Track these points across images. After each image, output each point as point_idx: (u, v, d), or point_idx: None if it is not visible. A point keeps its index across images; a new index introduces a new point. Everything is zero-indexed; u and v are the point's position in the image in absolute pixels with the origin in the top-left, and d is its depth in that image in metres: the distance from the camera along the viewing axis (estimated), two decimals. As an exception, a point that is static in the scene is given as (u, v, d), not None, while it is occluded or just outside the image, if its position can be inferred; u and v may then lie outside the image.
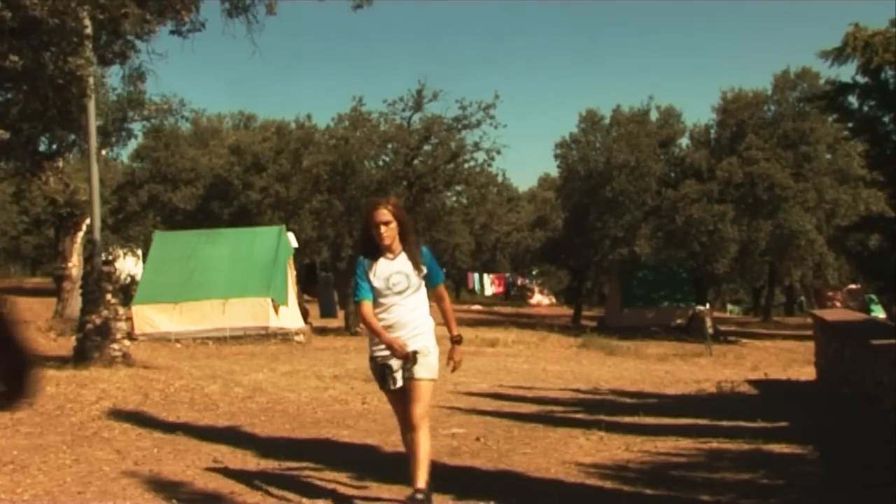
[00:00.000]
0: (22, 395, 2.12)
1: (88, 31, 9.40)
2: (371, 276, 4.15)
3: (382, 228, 4.11)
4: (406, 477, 4.17)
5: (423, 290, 4.22)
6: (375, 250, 4.18)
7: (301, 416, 7.84)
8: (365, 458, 5.82)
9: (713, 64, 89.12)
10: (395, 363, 4.13)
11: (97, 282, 11.27)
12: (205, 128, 38.09)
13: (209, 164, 33.44)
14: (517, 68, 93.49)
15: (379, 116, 26.89)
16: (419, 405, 4.11)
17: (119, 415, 7.32)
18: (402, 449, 6.15)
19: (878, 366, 7.53)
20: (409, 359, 4.11)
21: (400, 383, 4.14)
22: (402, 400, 4.19)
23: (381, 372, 4.19)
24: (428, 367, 4.14)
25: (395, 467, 5.12)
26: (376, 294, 4.15)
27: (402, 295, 4.13)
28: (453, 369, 4.35)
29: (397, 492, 4.47)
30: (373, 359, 4.23)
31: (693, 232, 27.54)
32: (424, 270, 4.20)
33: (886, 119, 9.13)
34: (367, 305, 4.18)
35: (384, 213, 4.13)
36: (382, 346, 4.14)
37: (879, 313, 24.10)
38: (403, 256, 4.17)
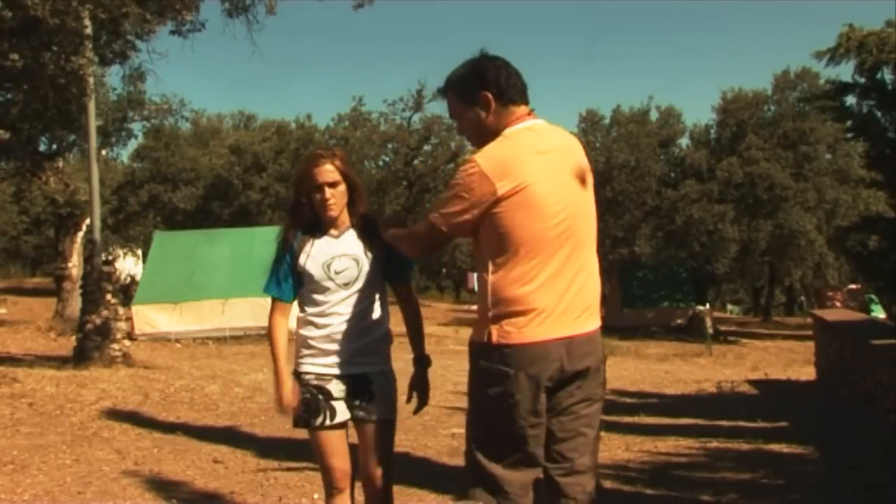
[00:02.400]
0: None
1: (88, 30, 9.41)
2: (302, 260, 2.80)
3: (327, 192, 2.77)
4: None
5: (380, 285, 2.87)
6: (310, 223, 2.85)
7: (301, 416, 7.83)
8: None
9: (713, 64, 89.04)
10: (336, 386, 2.81)
11: (97, 282, 11.28)
12: (205, 128, 38.11)
13: (209, 164, 33.47)
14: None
15: (379, 116, 27.00)
16: (381, 457, 2.85)
17: (119, 415, 7.33)
18: (403, 448, 6.15)
19: (878, 366, 7.52)
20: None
21: (340, 418, 2.81)
22: (335, 445, 2.82)
23: (311, 398, 2.81)
24: (388, 402, 2.84)
25: (396, 467, 5.13)
26: (309, 288, 2.82)
27: (348, 289, 2.79)
28: (416, 410, 2.88)
29: (397, 491, 4.43)
30: (300, 376, 2.85)
31: (693, 232, 27.55)
32: (378, 250, 2.83)
33: (885, 119, 9.14)
34: (279, 310, 2.90)
35: (328, 170, 2.77)
36: (317, 356, 2.84)
37: (879, 313, 24.03)
38: (352, 233, 2.84)
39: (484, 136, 2.47)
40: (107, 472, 5.16)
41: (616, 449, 6.19)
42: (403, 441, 6.35)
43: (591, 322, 2.46)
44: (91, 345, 10.91)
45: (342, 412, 2.80)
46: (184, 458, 5.61)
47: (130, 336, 13.89)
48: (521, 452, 2.35)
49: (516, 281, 2.33)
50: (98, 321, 11.01)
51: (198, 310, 16.99)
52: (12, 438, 6.19)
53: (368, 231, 2.84)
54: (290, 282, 2.85)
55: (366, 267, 2.79)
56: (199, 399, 8.55)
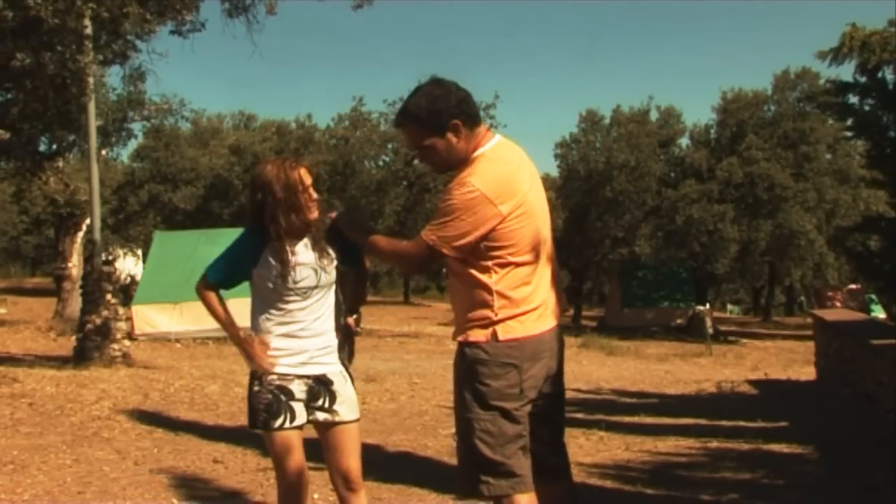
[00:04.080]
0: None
1: (88, 30, 9.41)
2: (259, 269, 2.90)
3: (311, 195, 2.82)
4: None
5: (333, 291, 2.97)
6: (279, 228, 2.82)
7: (301, 415, 7.83)
8: (364, 457, 5.78)
9: (713, 64, 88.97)
10: (298, 387, 2.87)
11: (97, 282, 11.27)
12: (205, 128, 38.10)
13: (209, 164, 33.47)
14: (517, 68, 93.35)
15: (379, 116, 26.96)
16: (356, 457, 2.95)
17: (119, 415, 7.32)
18: (403, 448, 6.16)
19: (878, 366, 7.52)
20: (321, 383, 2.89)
21: (299, 421, 2.86)
22: (293, 448, 2.87)
23: (272, 399, 2.89)
24: (349, 401, 2.93)
25: (396, 467, 5.13)
26: (270, 296, 2.93)
27: (307, 296, 2.87)
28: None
29: (397, 491, 4.47)
30: (261, 378, 2.96)
31: (693, 232, 27.55)
32: (333, 257, 2.90)
33: (886, 118, 9.14)
34: (210, 288, 3.03)
35: (305, 172, 2.79)
36: (285, 357, 2.90)
37: (879, 313, 24.03)
38: (306, 242, 2.87)
39: (454, 161, 2.57)
40: (107, 472, 5.16)
41: (616, 449, 6.18)
42: (403, 441, 6.36)
43: (555, 317, 2.68)
44: (91, 345, 10.90)
45: (301, 415, 2.86)
46: (184, 458, 5.60)
47: (130, 336, 13.88)
48: (523, 438, 2.51)
49: (520, 283, 2.53)
50: (98, 321, 11.01)
51: (198, 310, 16.66)
52: (12, 438, 6.18)
53: (322, 237, 2.89)
54: (234, 277, 3.00)
55: (323, 274, 2.88)
56: (199, 399, 8.54)
